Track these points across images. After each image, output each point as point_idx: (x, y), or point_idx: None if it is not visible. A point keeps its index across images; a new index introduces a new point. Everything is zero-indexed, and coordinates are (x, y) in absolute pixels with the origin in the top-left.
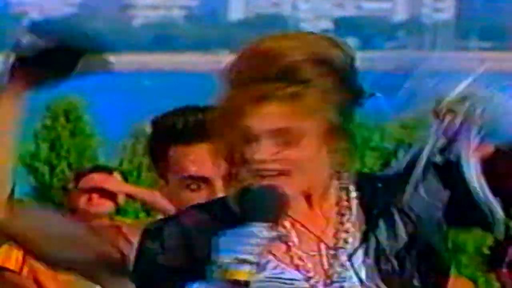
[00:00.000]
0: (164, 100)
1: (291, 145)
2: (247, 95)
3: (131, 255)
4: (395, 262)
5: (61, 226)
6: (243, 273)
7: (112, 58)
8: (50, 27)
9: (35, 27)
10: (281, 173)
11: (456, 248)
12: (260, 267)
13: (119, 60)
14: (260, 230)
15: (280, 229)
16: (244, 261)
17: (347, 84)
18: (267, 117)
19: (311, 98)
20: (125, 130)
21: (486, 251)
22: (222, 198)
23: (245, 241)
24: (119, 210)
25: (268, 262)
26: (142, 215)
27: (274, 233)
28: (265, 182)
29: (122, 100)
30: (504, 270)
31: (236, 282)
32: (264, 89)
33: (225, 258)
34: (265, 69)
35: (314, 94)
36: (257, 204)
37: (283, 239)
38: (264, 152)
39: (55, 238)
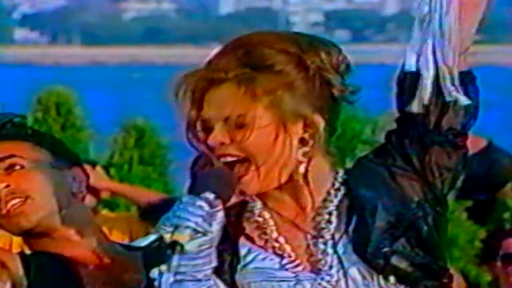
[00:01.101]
0: (154, 94)
1: (245, 131)
2: (201, 79)
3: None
4: (382, 248)
5: None
6: (181, 236)
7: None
8: (42, 20)
9: (27, 21)
10: (238, 160)
11: (447, 241)
12: (202, 235)
13: (110, 53)
14: (199, 202)
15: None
16: (185, 227)
17: (327, 83)
18: (216, 101)
19: (266, 82)
20: (116, 123)
21: (478, 244)
22: None
23: (188, 210)
24: (110, 204)
25: (249, 251)
26: (133, 208)
27: (215, 208)
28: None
29: (113, 93)
30: (498, 263)
31: (173, 244)
32: (217, 73)
33: (166, 228)
34: (233, 56)
35: (272, 80)
36: (203, 180)
37: (258, 225)
38: (216, 137)
39: None
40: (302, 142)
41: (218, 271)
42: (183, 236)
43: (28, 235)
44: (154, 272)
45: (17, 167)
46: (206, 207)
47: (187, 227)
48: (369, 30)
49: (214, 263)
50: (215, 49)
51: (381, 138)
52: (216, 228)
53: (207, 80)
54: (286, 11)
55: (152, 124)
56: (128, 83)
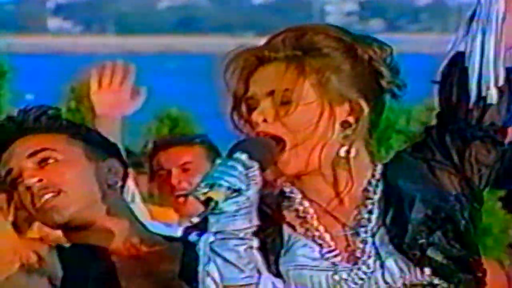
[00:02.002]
0: (188, 83)
1: (289, 106)
2: (251, 57)
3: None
4: (418, 239)
5: None
6: (215, 193)
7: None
8: (76, 10)
9: (61, 10)
10: (275, 138)
11: (481, 230)
12: (238, 194)
13: (144, 43)
14: (234, 163)
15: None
16: (220, 185)
17: (377, 73)
18: (263, 79)
19: (314, 62)
20: (150, 112)
21: (511, 233)
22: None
23: (221, 170)
24: None
25: (289, 238)
26: None
27: (250, 169)
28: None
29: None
30: None
31: (208, 201)
32: (268, 52)
33: (203, 186)
34: (285, 39)
35: (320, 61)
36: (242, 145)
37: (291, 208)
38: (261, 112)
39: None
40: (345, 125)
41: (263, 257)
42: (218, 194)
43: (64, 228)
44: (192, 235)
45: (51, 161)
46: (239, 167)
47: (220, 185)
48: (403, 19)
49: (255, 222)
50: (249, 38)
51: (415, 128)
52: (253, 189)
53: (257, 58)
54: (321, 1)
55: (186, 113)
56: (162, 72)
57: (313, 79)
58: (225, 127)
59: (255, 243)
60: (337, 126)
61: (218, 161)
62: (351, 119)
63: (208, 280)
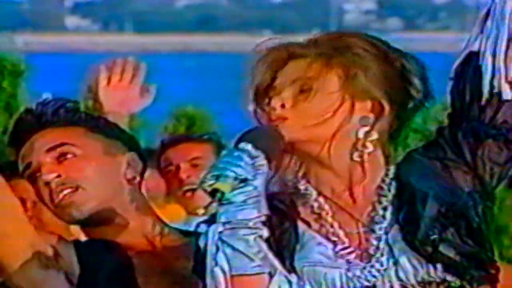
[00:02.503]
0: (206, 81)
1: (309, 93)
2: (283, 52)
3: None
4: (431, 236)
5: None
6: (228, 184)
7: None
8: (93, 8)
9: (79, 8)
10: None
11: (497, 230)
12: (245, 184)
13: (162, 41)
14: (239, 153)
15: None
16: (226, 176)
17: (407, 81)
18: (290, 71)
19: (343, 59)
20: (167, 111)
21: None
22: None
23: (226, 160)
24: None
25: (303, 234)
26: None
27: (256, 157)
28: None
29: (164, 81)
30: None
31: (214, 192)
32: (299, 48)
33: (209, 177)
34: (319, 39)
35: (349, 58)
36: (247, 135)
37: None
38: (281, 99)
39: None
40: (364, 121)
41: (278, 253)
42: (224, 185)
43: (83, 224)
44: (202, 226)
45: (69, 156)
46: (245, 157)
47: (227, 176)
48: (421, 18)
49: (264, 212)
50: (267, 37)
51: (432, 127)
52: (260, 178)
53: (288, 54)
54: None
55: (203, 112)
56: (180, 71)
57: (339, 72)
58: (243, 125)
59: (265, 232)
60: (355, 120)
61: (224, 152)
62: (371, 116)
63: (217, 270)
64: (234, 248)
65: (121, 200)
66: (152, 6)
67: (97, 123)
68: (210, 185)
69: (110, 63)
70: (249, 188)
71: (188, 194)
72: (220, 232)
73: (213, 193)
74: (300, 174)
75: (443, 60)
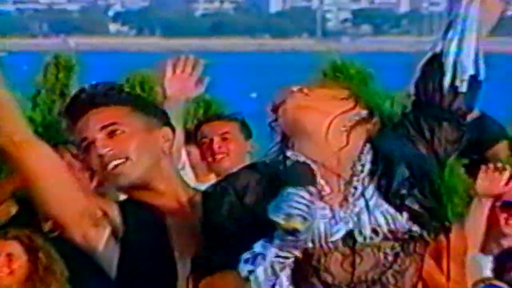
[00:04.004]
0: (219, 75)
1: None
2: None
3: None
4: (400, 190)
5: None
6: (297, 223)
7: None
8: (130, 17)
9: (119, 17)
10: None
11: (449, 190)
12: (307, 219)
13: (184, 43)
14: (302, 193)
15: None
16: (296, 215)
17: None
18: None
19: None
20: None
21: (472, 192)
22: (265, 162)
23: (293, 201)
24: None
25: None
26: None
27: (312, 195)
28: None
29: None
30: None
31: (293, 230)
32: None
33: (281, 216)
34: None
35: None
36: (296, 173)
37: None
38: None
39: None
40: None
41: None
42: (298, 224)
43: (127, 188)
44: (258, 245)
45: (118, 132)
46: (307, 196)
47: (298, 215)
48: (387, 25)
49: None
50: (266, 40)
51: (397, 109)
52: (318, 213)
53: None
54: (322, 10)
55: (217, 98)
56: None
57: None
58: (249, 109)
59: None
60: (342, 116)
61: (291, 190)
62: (363, 113)
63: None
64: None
65: (158, 169)
66: (177, 15)
67: (138, 102)
68: (287, 223)
69: (175, 59)
70: (310, 223)
71: (218, 158)
72: (275, 256)
73: (292, 231)
74: (290, 146)
75: (405, 58)
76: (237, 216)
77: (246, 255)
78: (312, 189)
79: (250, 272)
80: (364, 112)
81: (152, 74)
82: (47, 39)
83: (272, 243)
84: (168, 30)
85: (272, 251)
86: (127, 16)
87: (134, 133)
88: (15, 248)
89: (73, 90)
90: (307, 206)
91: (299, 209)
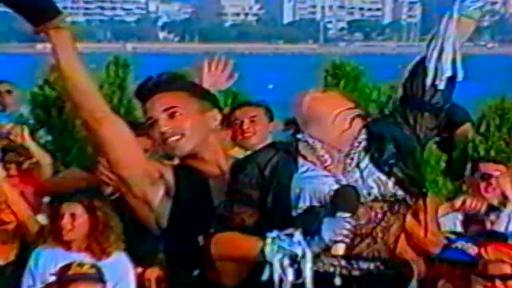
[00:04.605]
0: (243, 73)
1: None
2: None
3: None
4: (389, 161)
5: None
6: (340, 249)
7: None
8: (175, 26)
9: (166, 26)
10: None
11: (423, 162)
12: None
13: (217, 47)
14: (349, 219)
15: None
16: (341, 242)
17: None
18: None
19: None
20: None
21: (442, 164)
22: (282, 141)
23: (340, 227)
24: None
25: (303, 165)
26: None
27: (356, 221)
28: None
29: None
30: (475, 178)
31: (335, 256)
32: None
33: (323, 242)
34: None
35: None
36: (343, 199)
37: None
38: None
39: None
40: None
41: (283, 177)
42: (341, 251)
43: (181, 157)
44: (299, 236)
45: (177, 114)
46: (347, 225)
47: (343, 241)
48: (374, 32)
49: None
50: (280, 45)
51: (383, 100)
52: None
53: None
54: (324, 21)
55: (242, 90)
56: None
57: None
58: (269, 99)
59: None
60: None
61: (344, 215)
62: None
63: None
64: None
65: (207, 143)
66: (211, 25)
67: (194, 89)
68: (335, 249)
69: (211, 59)
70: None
71: (246, 135)
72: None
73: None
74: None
75: (388, 59)
76: (258, 185)
77: (282, 236)
78: (348, 217)
79: (273, 251)
80: (361, 111)
81: (192, 72)
82: (109, 44)
83: (311, 246)
84: (204, 37)
85: (309, 253)
86: (173, 26)
87: (190, 115)
88: (77, 209)
89: (129, 84)
90: (349, 231)
91: (345, 236)
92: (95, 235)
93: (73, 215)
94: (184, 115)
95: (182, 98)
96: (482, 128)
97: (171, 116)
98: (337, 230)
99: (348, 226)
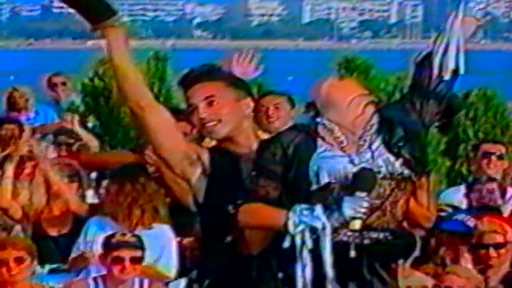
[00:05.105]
0: (268, 65)
1: None
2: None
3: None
4: (398, 143)
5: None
6: (357, 225)
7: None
8: (208, 25)
9: (201, 25)
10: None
11: (426, 143)
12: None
13: (245, 44)
14: (366, 199)
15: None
16: (358, 218)
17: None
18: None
19: None
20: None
21: (442, 145)
22: (303, 124)
23: (359, 205)
24: None
25: (321, 145)
26: None
27: (371, 201)
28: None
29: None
30: (478, 158)
31: (352, 230)
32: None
33: (342, 217)
34: None
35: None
36: (362, 179)
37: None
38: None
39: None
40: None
41: (302, 158)
42: (358, 225)
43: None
44: (320, 209)
45: (215, 102)
46: (365, 204)
47: (360, 218)
48: (382, 31)
49: None
50: (300, 42)
51: (390, 89)
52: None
53: None
54: (338, 21)
55: (266, 81)
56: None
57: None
58: (292, 88)
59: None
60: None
61: (362, 194)
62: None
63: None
64: None
65: (241, 128)
66: (240, 24)
67: (231, 79)
68: (352, 223)
69: (239, 53)
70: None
71: (271, 120)
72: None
73: (352, 230)
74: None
75: (394, 54)
76: (281, 162)
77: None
78: (365, 197)
79: (299, 225)
80: (373, 98)
81: (222, 65)
82: (151, 41)
83: (330, 220)
84: (234, 35)
85: (328, 227)
86: (206, 25)
87: (226, 102)
88: (122, 184)
89: (167, 76)
90: (367, 208)
91: (363, 213)
92: (138, 208)
93: (115, 190)
94: (221, 103)
95: (220, 88)
96: (471, 114)
97: (210, 103)
98: (356, 208)
99: (366, 205)
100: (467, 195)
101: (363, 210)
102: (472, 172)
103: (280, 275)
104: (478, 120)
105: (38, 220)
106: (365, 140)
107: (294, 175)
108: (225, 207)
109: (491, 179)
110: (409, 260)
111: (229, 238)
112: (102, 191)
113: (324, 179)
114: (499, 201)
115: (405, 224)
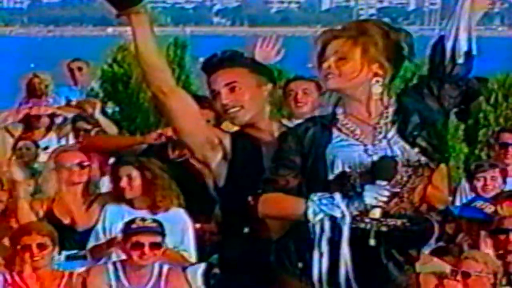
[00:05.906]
0: (288, 53)
1: (345, 61)
2: (329, 34)
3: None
4: (413, 132)
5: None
6: (377, 213)
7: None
8: (227, 12)
9: (220, 12)
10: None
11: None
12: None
13: (264, 31)
14: (387, 187)
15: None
16: (378, 207)
17: (400, 46)
18: (332, 48)
19: (363, 39)
20: None
21: (460, 132)
22: (322, 115)
23: (380, 194)
24: None
25: (338, 136)
26: None
27: (391, 189)
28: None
29: None
30: (496, 147)
31: (372, 219)
32: (339, 32)
33: (362, 205)
34: (350, 27)
35: (366, 39)
36: (383, 168)
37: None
38: (329, 65)
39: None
40: (377, 75)
41: (318, 147)
42: (377, 214)
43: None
44: (339, 197)
45: (237, 88)
46: (386, 192)
47: (380, 207)
48: (400, 17)
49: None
50: (318, 29)
51: (408, 76)
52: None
53: (333, 35)
54: (357, 8)
55: (281, 68)
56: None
57: (360, 47)
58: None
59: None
60: (370, 76)
61: (382, 183)
62: (380, 72)
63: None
64: None
65: (262, 114)
66: (258, 11)
67: (253, 65)
68: (373, 213)
69: (263, 38)
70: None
71: (299, 105)
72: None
73: (371, 219)
74: (338, 105)
75: (413, 40)
76: (298, 152)
77: (324, 201)
78: (384, 184)
79: (318, 214)
80: (380, 72)
81: (243, 51)
82: (170, 28)
83: (349, 208)
84: (253, 21)
85: (348, 216)
86: (225, 12)
87: (248, 89)
88: (133, 171)
89: (187, 63)
90: (386, 198)
91: (383, 202)
92: (150, 192)
93: (129, 176)
94: (243, 89)
95: (242, 74)
96: (492, 100)
97: (232, 89)
98: (378, 197)
99: (387, 193)
100: (469, 182)
101: (384, 198)
102: (491, 158)
103: (300, 264)
104: (499, 106)
105: (51, 208)
106: (380, 129)
107: (311, 165)
108: (245, 192)
109: (492, 165)
110: (428, 247)
111: (246, 230)
112: (118, 177)
113: (340, 168)
114: (502, 187)
115: (422, 208)
